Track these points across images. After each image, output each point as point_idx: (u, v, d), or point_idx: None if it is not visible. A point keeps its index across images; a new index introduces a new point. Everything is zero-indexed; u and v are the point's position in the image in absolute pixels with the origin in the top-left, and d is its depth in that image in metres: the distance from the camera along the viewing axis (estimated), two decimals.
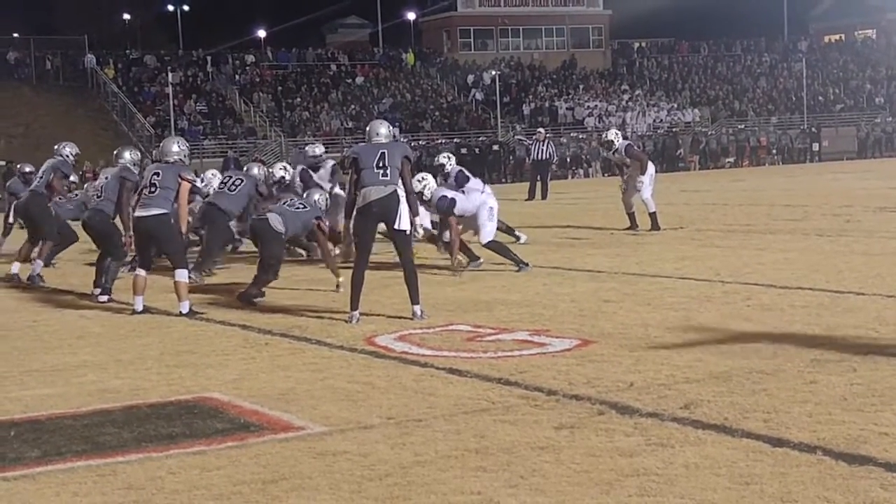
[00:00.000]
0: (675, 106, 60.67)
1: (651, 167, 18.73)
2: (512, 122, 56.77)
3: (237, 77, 56.42)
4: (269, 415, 6.26)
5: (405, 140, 39.73)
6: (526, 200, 29.47)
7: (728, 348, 7.73)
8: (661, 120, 58.81)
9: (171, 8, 72.74)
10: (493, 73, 58.30)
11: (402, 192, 9.88)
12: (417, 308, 9.73)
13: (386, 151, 9.98)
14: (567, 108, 58.18)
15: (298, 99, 55.54)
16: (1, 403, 6.80)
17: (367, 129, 10.50)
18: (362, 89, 57.97)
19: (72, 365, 8.12)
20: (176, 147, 11.21)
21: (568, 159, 49.96)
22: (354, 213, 9.97)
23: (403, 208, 9.87)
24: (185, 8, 72.76)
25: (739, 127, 57.25)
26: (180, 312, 10.47)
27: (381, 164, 9.88)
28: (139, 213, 10.92)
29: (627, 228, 17.90)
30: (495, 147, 50.58)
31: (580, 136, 53.61)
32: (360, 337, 8.76)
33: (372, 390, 6.80)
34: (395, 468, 5.08)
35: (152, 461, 5.39)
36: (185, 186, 10.97)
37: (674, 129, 56.67)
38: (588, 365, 7.34)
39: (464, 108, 58.31)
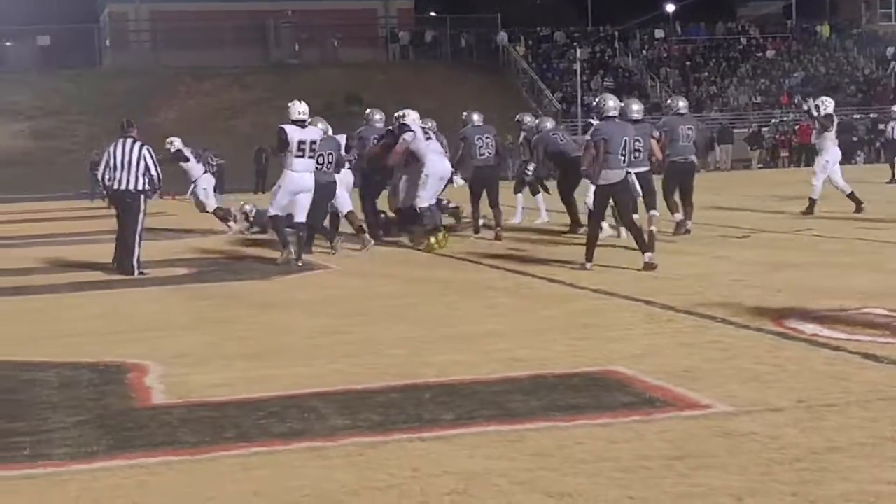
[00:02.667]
0: None
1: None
2: None
3: (644, 52, 56.34)
4: (673, 391, 6.23)
5: None
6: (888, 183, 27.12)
7: None
8: None
9: None
10: None
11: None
12: (648, 255, 11.51)
13: (629, 139, 11.65)
14: None
15: (706, 73, 54.76)
16: (418, 367, 7.15)
17: (612, 103, 11.82)
18: (773, 63, 56.34)
19: (481, 334, 8.40)
20: (638, 106, 14.01)
21: None
22: (596, 186, 11.84)
23: (634, 183, 11.96)
24: None
25: None
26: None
27: (623, 152, 11.50)
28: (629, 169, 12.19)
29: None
30: None
31: None
32: (766, 317, 8.54)
33: (781, 372, 6.60)
34: (806, 453, 4.92)
35: (559, 430, 5.50)
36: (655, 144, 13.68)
37: None
38: None
39: (881, 81, 55.34)
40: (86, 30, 55.12)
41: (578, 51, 52.03)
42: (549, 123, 17.70)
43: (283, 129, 13.40)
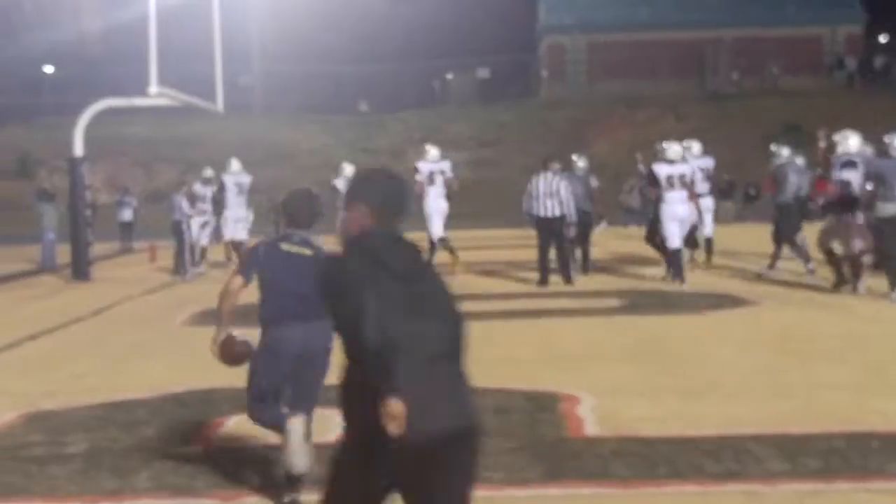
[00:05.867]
0: None
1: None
2: None
3: None
4: None
5: None
6: None
7: None
8: None
9: None
10: None
11: None
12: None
13: None
14: None
15: None
16: (863, 413, 6.75)
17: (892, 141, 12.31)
18: None
19: None
20: None
21: None
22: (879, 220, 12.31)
23: None
24: None
25: None
26: None
27: None
28: None
29: None
30: None
31: None
32: None
33: None
34: None
35: None
36: None
37: None
38: None
39: None
40: (524, 62, 57.12)
41: None
42: None
43: (652, 169, 14.90)
